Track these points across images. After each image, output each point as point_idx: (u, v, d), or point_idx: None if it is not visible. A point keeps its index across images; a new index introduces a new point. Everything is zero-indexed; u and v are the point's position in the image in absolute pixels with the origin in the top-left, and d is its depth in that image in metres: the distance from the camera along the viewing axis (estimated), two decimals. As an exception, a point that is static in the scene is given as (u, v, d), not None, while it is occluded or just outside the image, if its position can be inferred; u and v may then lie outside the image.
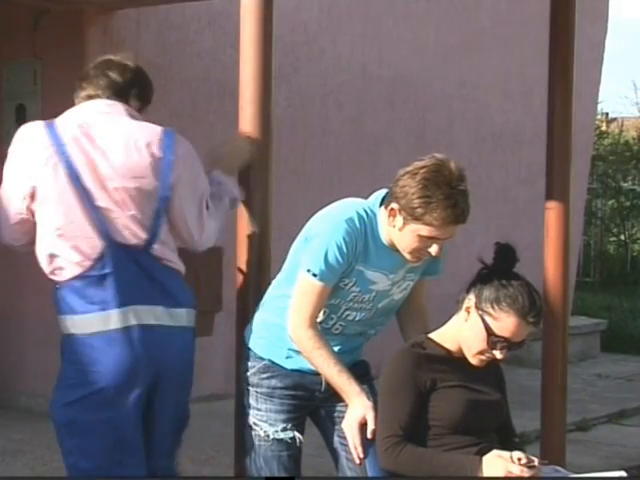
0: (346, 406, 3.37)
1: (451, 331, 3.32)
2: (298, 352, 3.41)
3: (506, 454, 3.11)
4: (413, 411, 3.19)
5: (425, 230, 3.25)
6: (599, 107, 15.72)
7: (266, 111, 3.82)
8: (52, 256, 3.39)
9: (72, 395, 3.38)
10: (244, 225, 3.82)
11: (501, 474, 3.06)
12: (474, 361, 3.27)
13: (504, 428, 3.39)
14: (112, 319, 3.33)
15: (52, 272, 3.41)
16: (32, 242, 3.45)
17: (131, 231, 3.35)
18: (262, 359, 3.51)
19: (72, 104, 3.55)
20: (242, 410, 3.56)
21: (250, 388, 3.52)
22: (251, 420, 3.50)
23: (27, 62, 7.20)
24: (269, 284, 3.64)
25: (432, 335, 3.35)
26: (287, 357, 3.48)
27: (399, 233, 3.31)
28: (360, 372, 3.48)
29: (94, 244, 3.34)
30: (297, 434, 3.49)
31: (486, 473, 3.09)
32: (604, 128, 19.90)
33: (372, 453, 3.28)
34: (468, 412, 3.22)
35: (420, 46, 9.48)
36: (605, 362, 10.83)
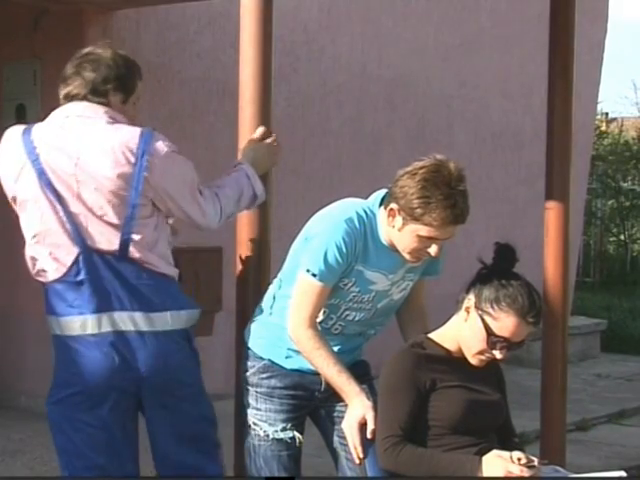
0: (346, 406, 3.37)
1: (451, 331, 3.33)
2: (298, 352, 3.42)
3: (506, 454, 3.11)
4: (413, 411, 3.19)
5: (424, 230, 3.25)
6: (599, 107, 15.74)
7: (266, 111, 3.82)
8: (33, 259, 3.41)
9: (58, 394, 3.40)
10: (244, 225, 3.82)
11: (501, 474, 3.06)
12: (474, 361, 3.27)
13: (504, 428, 3.39)
14: (89, 324, 3.33)
15: (36, 274, 3.44)
16: None
17: (106, 237, 3.31)
18: (262, 359, 3.51)
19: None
20: (242, 410, 3.56)
21: (250, 388, 3.52)
22: (251, 420, 3.51)
23: (27, 62, 7.20)
24: (269, 284, 3.64)
25: (432, 335, 3.35)
26: (287, 357, 3.48)
27: (398, 233, 3.31)
28: (360, 372, 3.48)
29: (69, 251, 3.33)
30: (297, 434, 3.49)
31: (486, 473, 3.09)
32: (604, 128, 19.90)
33: (372, 453, 3.28)
34: (468, 412, 3.22)
35: (420, 46, 9.48)
36: (605, 362, 10.82)
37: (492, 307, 3.20)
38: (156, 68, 7.20)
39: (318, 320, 3.39)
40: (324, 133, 8.70)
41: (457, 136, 9.93)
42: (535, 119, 9.84)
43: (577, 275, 13.66)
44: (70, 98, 3.42)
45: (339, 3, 8.74)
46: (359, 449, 3.29)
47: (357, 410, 3.30)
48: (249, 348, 3.55)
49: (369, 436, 3.26)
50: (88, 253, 3.32)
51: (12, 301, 7.25)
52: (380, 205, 3.39)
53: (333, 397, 3.45)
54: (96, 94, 3.39)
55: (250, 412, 3.51)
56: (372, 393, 3.42)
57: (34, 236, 3.38)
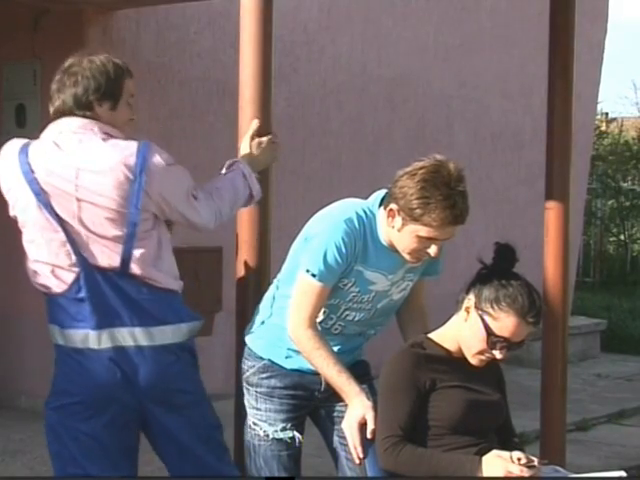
0: (346, 406, 3.37)
1: (451, 331, 3.33)
2: (298, 352, 3.42)
3: (506, 454, 3.11)
4: (413, 411, 3.19)
5: (424, 231, 3.25)
6: (599, 107, 15.73)
7: (266, 111, 3.82)
8: (35, 274, 3.42)
9: (57, 401, 3.41)
10: (244, 225, 3.82)
11: (501, 474, 3.06)
12: (474, 361, 3.27)
13: (504, 428, 3.39)
14: (89, 339, 3.34)
15: (39, 285, 3.44)
16: None
17: (107, 254, 3.31)
18: (262, 359, 3.51)
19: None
20: (242, 410, 3.56)
21: (250, 388, 3.52)
22: (251, 420, 3.51)
23: (27, 62, 7.19)
24: (269, 284, 3.64)
25: (432, 335, 3.35)
26: (287, 357, 3.48)
27: (398, 234, 3.31)
28: (360, 372, 3.48)
29: (70, 269, 3.33)
30: (297, 434, 3.49)
31: (486, 473, 3.09)
32: (604, 128, 19.87)
33: (372, 453, 3.28)
34: (468, 412, 3.22)
35: (420, 46, 9.48)
36: (605, 362, 10.82)
37: (492, 307, 3.20)
38: (156, 68, 7.20)
39: (318, 320, 3.39)
40: (324, 133, 8.70)
41: (457, 136, 9.93)
42: (535, 119, 9.84)
43: (577, 275, 13.65)
44: (59, 114, 3.40)
45: (339, 3, 8.74)
46: (359, 449, 3.29)
47: (357, 410, 3.30)
48: (249, 348, 3.55)
49: (369, 436, 3.26)
50: (89, 271, 3.32)
51: (12, 301, 7.24)
52: (380, 205, 3.39)
53: (333, 397, 3.45)
54: (81, 108, 3.36)
55: (250, 412, 3.51)
56: (372, 393, 3.42)
57: (35, 255, 3.39)
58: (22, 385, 7.27)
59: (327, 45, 8.66)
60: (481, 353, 3.25)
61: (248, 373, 3.53)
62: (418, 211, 3.22)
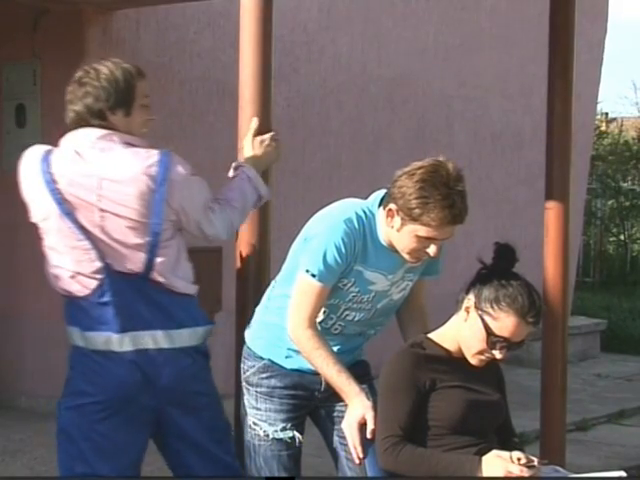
0: (346, 406, 3.37)
1: (451, 331, 3.32)
2: (297, 352, 3.42)
3: (506, 454, 3.11)
4: (412, 411, 3.19)
5: (423, 231, 3.25)
6: (599, 107, 15.73)
7: (266, 111, 3.83)
8: (57, 278, 3.45)
9: (74, 401, 3.43)
10: (244, 225, 3.82)
11: (501, 474, 3.06)
12: (474, 361, 3.27)
13: (504, 428, 3.39)
14: (112, 342, 3.38)
15: (60, 289, 3.47)
16: None
17: (129, 259, 3.36)
18: (262, 359, 3.51)
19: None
20: (242, 410, 3.57)
21: (250, 388, 3.52)
22: (251, 420, 3.51)
23: (27, 62, 7.20)
24: (269, 284, 3.64)
25: (432, 335, 3.35)
26: (287, 357, 3.48)
27: (397, 234, 3.31)
28: (360, 372, 3.48)
29: (93, 276, 3.37)
30: (297, 434, 3.49)
31: (486, 473, 3.09)
32: (604, 128, 19.87)
33: (372, 453, 3.28)
34: (468, 412, 3.22)
35: (420, 46, 9.48)
36: (605, 362, 10.82)
37: (492, 307, 3.20)
38: (156, 68, 7.19)
39: (318, 320, 3.39)
40: (324, 133, 8.70)
41: (457, 136, 9.93)
42: (535, 119, 9.83)
43: (577, 275, 13.65)
44: (75, 125, 3.43)
45: (339, 3, 8.74)
46: (359, 449, 3.29)
47: (357, 410, 3.30)
48: (249, 348, 3.56)
49: (369, 436, 3.26)
50: (113, 276, 3.36)
51: (12, 301, 7.24)
52: (379, 205, 3.39)
53: (333, 397, 3.45)
54: (95, 117, 3.39)
55: (250, 412, 3.51)
56: (372, 393, 3.42)
57: (57, 262, 3.42)
58: (22, 385, 7.27)
59: (327, 45, 8.66)
60: (481, 353, 3.25)
61: (248, 373, 3.53)
62: (417, 211, 3.22)
